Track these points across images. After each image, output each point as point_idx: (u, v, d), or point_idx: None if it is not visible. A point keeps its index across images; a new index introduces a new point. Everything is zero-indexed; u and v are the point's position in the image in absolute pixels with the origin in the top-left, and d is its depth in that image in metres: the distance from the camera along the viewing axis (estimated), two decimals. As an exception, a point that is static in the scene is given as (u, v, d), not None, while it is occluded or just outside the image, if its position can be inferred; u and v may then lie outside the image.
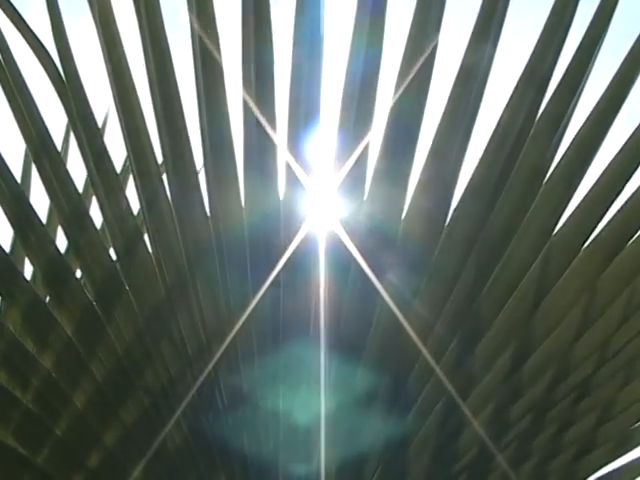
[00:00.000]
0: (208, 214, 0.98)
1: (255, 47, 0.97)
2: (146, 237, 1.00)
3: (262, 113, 0.96)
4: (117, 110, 1.01)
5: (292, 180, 0.96)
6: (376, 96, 0.95)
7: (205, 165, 0.99)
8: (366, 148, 0.95)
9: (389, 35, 0.95)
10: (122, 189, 1.00)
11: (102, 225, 1.02)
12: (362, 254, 0.94)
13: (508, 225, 0.94)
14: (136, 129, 1.00)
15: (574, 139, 0.94)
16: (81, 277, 1.02)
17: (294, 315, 0.96)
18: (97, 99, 1.05)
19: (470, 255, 0.94)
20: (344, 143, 0.96)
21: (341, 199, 0.96)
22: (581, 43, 0.94)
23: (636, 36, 0.94)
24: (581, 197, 0.93)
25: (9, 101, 1.02)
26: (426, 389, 0.95)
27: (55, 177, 1.00)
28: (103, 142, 1.01)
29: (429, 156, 0.94)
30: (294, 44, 0.97)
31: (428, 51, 0.94)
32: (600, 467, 0.96)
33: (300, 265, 0.95)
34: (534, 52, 0.94)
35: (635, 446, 0.96)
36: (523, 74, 0.94)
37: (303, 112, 0.96)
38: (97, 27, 1.02)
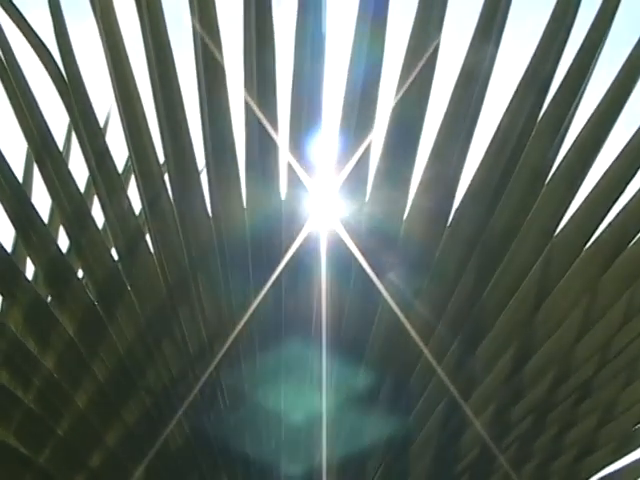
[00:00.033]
0: (210, 214, 0.98)
1: (257, 48, 0.97)
2: (148, 237, 1.00)
3: (264, 114, 0.97)
4: (119, 110, 1.01)
5: (294, 181, 0.96)
6: (378, 97, 0.96)
7: (207, 165, 0.99)
8: (368, 149, 0.95)
9: (391, 37, 0.96)
10: (124, 189, 1.01)
11: (104, 225, 1.02)
12: (363, 255, 0.94)
13: (509, 227, 0.94)
14: (138, 129, 1.00)
15: (575, 141, 0.94)
16: (83, 277, 1.02)
17: (296, 315, 0.96)
18: (99, 99, 1.05)
19: (471, 256, 0.94)
20: (346, 144, 0.96)
21: (343, 200, 0.96)
22: (582, 46, 0.94)
23: (637, 39, 0.94)
24: (582, 199, 0.94)
25: (11, 101, 1.02)
26: (428, 390, 0.95)
27: (57, 177, 1.00)
28: (105, 142, 1.01)
29: (430, 157, 0.95)
30: (296, 45, 0.97)
31: (429, 53, 0.94)
32: (602, 468, 0.97)
33: (302, 266, 0.96)
34: (535, 54, 0.94)
35: (637, 447, 0.97)
36: (524, 76, 0.95)
37: (305, 113, 0.96)
38: (99, 27, 1.02)
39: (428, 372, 0.95)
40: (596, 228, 0.93)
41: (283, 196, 0.97)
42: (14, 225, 0.99)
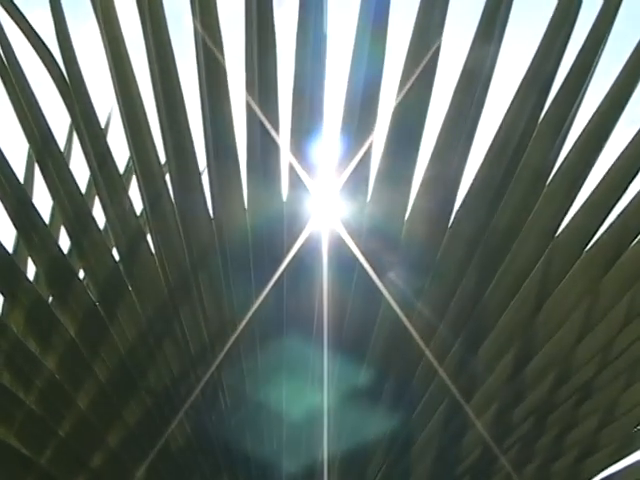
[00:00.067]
0: (211, 215, 0.98)
1: (258, 49, 0.97)
2: (149, 238, 1.00)
3: (265, 115, 0.97)
4: (120, 110, 1.01)
5: (295, 181, 0.96)
6: (379, 98, 0.96)
7: (208, 166, 0.99)
8: (369, 150, 0.95)
9: (392, 38, 0.96)
10: (125, 189, 1.01)
11: (105, 225, 1.02)
12: (365, 255, 0.94)
13: (510, 227, 0.94)
14: (139, 130, 1.00)
15: (576, 142, 0.94)
16: (84, 277, 1.02)
17: (297, 316, 0.96)
18: (100, 99, 1.05)
19: (473, 257, 0.94)
20: (347, 145, 0.96)
21: (344, 200, 0.96)
22: (583, 46, 0.94)
23: (638, 39, 0.94)
24: (583, 200, 0.94)
25: (12, 101, 1.02)
26: (429, 390, 0.95)
27: (58, 177, 1.00)
28: (106, 142, 1.01)
29: (432, 157, 0.95)
30: (297, 46, 0.97)
31: (431, 53, 0.94)
32: (603, 469, 0.97)
33: (303, 266, 0.96)
34: (537, 55, 0.95)
35: (638, 448, 0.97)
36: (526, 77, 0.95)
37: (306, 114, 0.96)
38: (100, 28, 1.02)
39: (430, 373, 0.95)
40: (597, 229, 0.93)
41: (284, 197, 0.97)
42: (15, 225, 0.99)
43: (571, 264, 0.93)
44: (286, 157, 0.96)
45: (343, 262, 0.95)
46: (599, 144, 0.94)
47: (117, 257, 0.99)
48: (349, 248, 0.94)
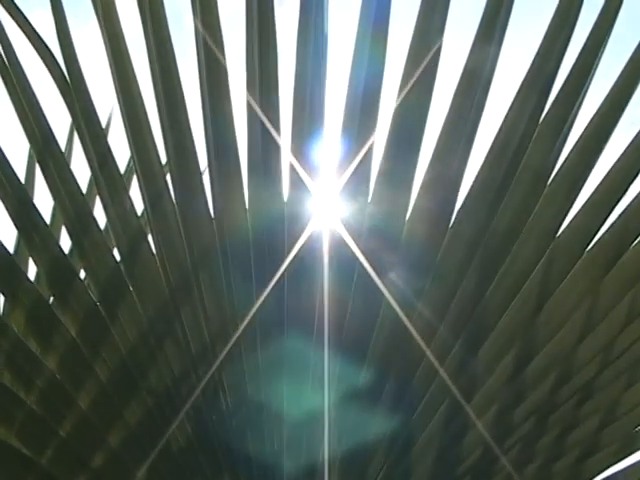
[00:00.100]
0: (212, 215, 0.98)
1: (259, 49, 0.97)
2: (150, 238, 1.00)
3: (266, 115, 0.97)
4: (121, 110, 1.01)
5: (296, 181, 0.96)
6: (380, 98, 0.96)
7: (209, 166, 0.99)
8: (370, 150, 0.95)
9: (393, 38, 0.96)
10: (126, 189, 1.01)
11: (106, 226, 1.02)
12: (365, 255, 0.94)
13: (511, 228, 0.94)
14: (140, 129, 1.00)
15: (577, 142, 0.94)
16: (85, 278, 1.02)
17: (298, 316, 0.96)
18: (101, 99, 1.05)
19: (473, 257, 0.94)
20: (348, 145, 0.96)
21: (345, 201, 0.96)
22: (584, 47, 0.95)
23: (639, 41, 0.94)
24: (584, 200, 0.94)
25: (13, 101, 1.02)
26: (430, 391, 0.95)
27: (59, 177, 1.00)
28: (107, 142, 1.01)
29: (433, 158, 0.95)
30: (298, 46, 0.97)
31: (432, 55, 0.95)
32: (604, 469, 0.96)
33: (304, 266, 0.96)
34: (537, 56, 0.95)
35: (639, 448, 0.97)
36: (526, 78, 0.95)
37: (307, 114, 0.97)
38: (101, 28, 1.02)
39: (430, 373, 0.95)
40: (598, 229, 0.93)
41: (285, 197, 0.97)
42: (16, 226, 0.99)
43: (572, 264, 0.93)
44: (287, 157, 0.97)
45: (344, 262, 0.95)
46: (599, 145, 0.94)
47: (118, 257, 1.00)
48: (350, 248, 0.94)
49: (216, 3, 0.98)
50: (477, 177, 0.95)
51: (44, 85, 1.04)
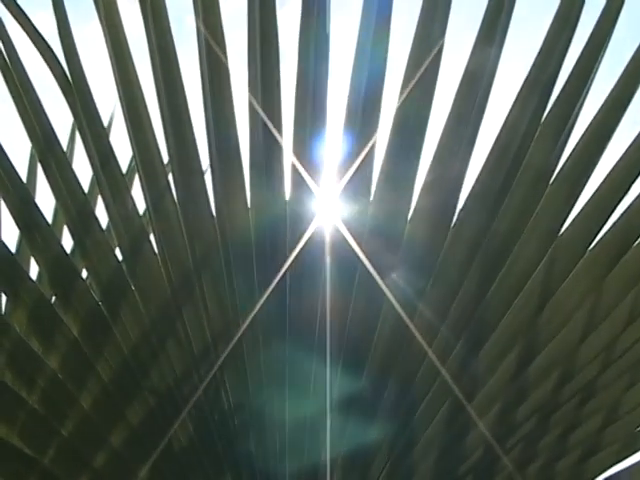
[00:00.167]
0: (214, 215, 0.98)
1: (261, 49, 0.97)
2: (152, 237, 1.00)
3: (268, 115, 0.97)
4: (123, 110, 1.01)
5: (298, 181, 0.96)
6: (382, 98, 0.96)
7: (211, 166, 0.99)
8: (372, 150, 0.95)
9: (395, 38, 0.96)
10: (128, 189, 1.01)
11: (108, 225, 1.02)
12: (367, 256, 0.94)
13: (513, 228, 0.94)
14: (142, 129, 1.00)
15: (579, 142, 0.94)
16: (87, 277, 1.02)
17: (300, 316, 0.96)
18: (103, 99, 1.05)
19: (475, 257, 0.94)
20: (350, 145, 0.96)
21: (346, 201, 0.96)
22: (585, 46, 0.95)
23: (640, 40, 0.95)
24: (586, 199, 0.94)
25: (15, 101, 1.02)
26: (432, 390, 0.95)
27: (61, 177, 1.00)
28: (109, 142, 1.01)
29: (434, 159, 0.95)
30: (300, 47, 0.97)
31: (433, 55, 0.95)
32: (606, 469, 0.96)
33: (306, 266, 0.96)
34: (538, 57, 0.95)
35: (641, 448, 0.97)
36: (528, 77, 0.95)
37: (309, 114, 0.97)
38: (103, 28, 1.02)
39: (432, 373, 0.95)
40: (600, 229, 0.93)
41: (287, 197, 0.97)
42: (18, 225, 0.99)
43: (574, 264, 0.93)
44: (289, 157, 0.97)
45: (345, 262, 0.95)
46: (601, 145, 0.94)
47: (120, 257, 1.00)
48: (351, 248, 0.94)
49: (218, 3, 0.98)
50: (479, 177, 0.95)
51: (46, 84, 1.04)
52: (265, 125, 0.97)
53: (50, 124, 1.01)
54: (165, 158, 1.00)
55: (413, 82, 0.95)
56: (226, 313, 0.97)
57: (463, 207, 0.95)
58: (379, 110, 0.96)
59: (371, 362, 0.95)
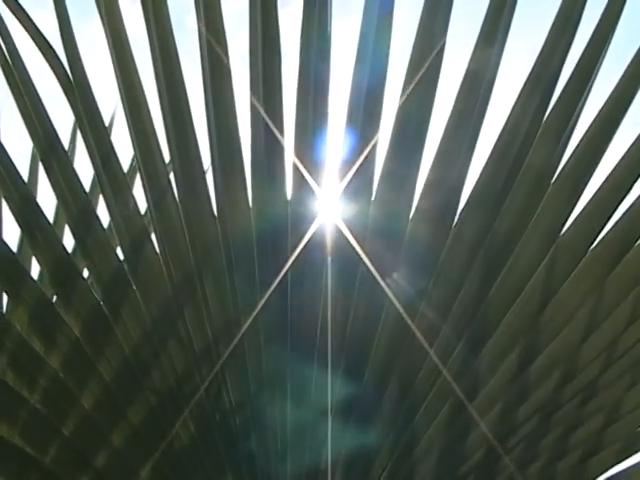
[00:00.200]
0: (215, 214, 0.98)
1: (263, 49, 0.97)
2: (153, 237, 1.00)
3: (269, 115, 0.97)
4: (124, 109, 1.01)
5: (299, 181, 0.96)
6: (384, 98, 0.96)
7: (213, 165, 0.99)
8: (373, 150, 0.95)
9: (396, 38, 0.96)
10: (129, 189, 1.01)
11: (109, 225, 1.02)
12: (368, 255, 0.94)
13: (515, 227, 0.94)
14: (144, 129, 1.00)
15: (580, 142, 0.94)
16: (88, 277, 1.02)
17: (301, 316, 0.96)
18: (104, 98, 1.05)
19: (476, 257, 0.94)
20: (351, 145, 0.96)
21: (348, 200, 0.96)
22: (586, 48, 0.95)
23: (642, 40, 0.94)
24: (587, 199, 0.94)
25: (17, 101, 1.02)
26: (433, 390, 0.95)
27: (62, 177, 1.00)
28: (110, 141, 1.01)
29: (436, 158, 0.95)
30: (301, 46, 0.97)
31: (435, 54, 0.95)
32: (608, 468, 0.96)
33: (307, 266, 0.96)
34: (540, 56, 0.95)
35: (642, 447, 0.97)
36: (529, 77, 0.95)
37: (310, 114, 0.97)
38: (105, 29, 1.02)
39: (433, 372, 0.95)
40: (602, 228, 0.93)
41: (289, 197, 0.97)
42: (19, 225, 0.99)
43: (575, 263, 0.93)
44: (290, 157, 0.97)
45: (347, 262, 0.95)
46: (602, 145, 0.94)
47: (121, 256, 1.00)
48: (353, 248, 0.94)
49: (219, 3, 0.98)
50: (480, 177, 0.95)
51: (47, 84, 1.04)
52: (266, 125, 0.97)
53: (51, 123, 1.01)
54: (166, 157, 1.00)
55: (414, 82, 0.95)
56: (227, 313, 0.97)
57: (464, 207, 0.95)
58: (380, 110, 0.96)
59: (372, 361, 0.95)
